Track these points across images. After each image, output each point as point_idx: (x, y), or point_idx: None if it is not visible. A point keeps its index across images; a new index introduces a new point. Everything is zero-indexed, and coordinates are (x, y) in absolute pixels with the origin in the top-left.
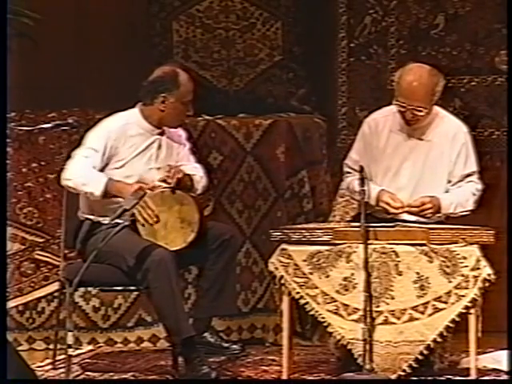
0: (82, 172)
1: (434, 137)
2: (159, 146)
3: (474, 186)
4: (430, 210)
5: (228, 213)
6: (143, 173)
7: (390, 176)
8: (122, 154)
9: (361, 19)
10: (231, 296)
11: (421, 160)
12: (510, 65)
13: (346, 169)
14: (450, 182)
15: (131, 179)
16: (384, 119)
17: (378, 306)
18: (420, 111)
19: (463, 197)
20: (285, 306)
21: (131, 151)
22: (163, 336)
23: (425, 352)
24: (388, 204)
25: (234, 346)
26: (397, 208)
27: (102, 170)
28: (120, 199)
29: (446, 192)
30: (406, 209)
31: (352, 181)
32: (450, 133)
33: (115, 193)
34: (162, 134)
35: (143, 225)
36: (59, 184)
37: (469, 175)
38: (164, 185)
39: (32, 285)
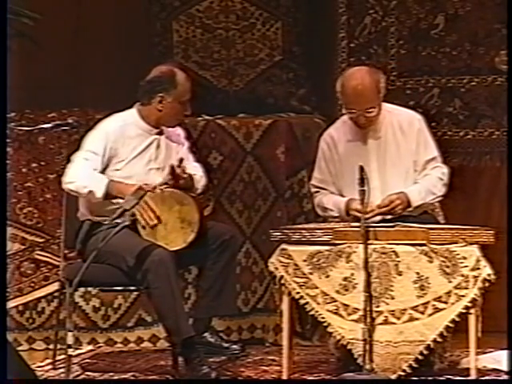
0: (82, 175)
1: (386, 132)
2: (158, 146)
3: (440, 170)
4: (400, 206)
5: (228, 213)
6: (143, 173)
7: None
8: (122, 155)
9: (361, 19)
10: (231, 296)
11: (382, 159)
12: (510, 65)
13: (312, 189)
14: (416, 171)
15: (131, 180)
16: (337, 132)
17: (377, 306)
18: (371, 112)
19: (430, 184)
20: (285, 306)
21: (130, 152)
22: (163, 336)
23: (425, 352)
24: (358, 211)
25: (234, 346)
26: (368, 213)
27: (102, 171)
28: (120, 200)
29: (416, 183)
30: (377, 211)
31: (320, 199)
32: (403, 124)
33: (116, 194)
34: (160, 133)
35: (144, 227)
36: (59, 184)
37: (431, 160)
38: (165, 185)
39: (32, 285)
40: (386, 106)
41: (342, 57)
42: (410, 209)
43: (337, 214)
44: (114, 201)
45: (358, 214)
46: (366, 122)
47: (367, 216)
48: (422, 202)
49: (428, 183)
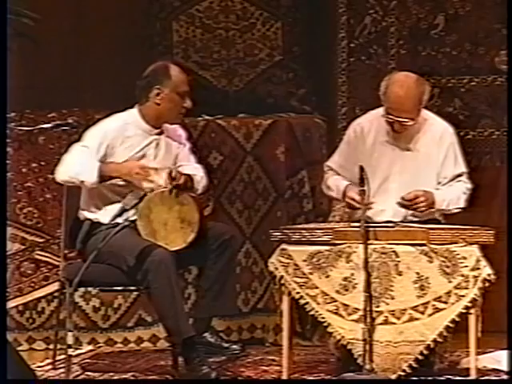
0: (74, 163)
1: (420, 146)
2: (157, 146)
3: (464, 185)
4: (423, 204)
5: (228, 213)
6: None
7: (378, 179)
8: (120, 154)
9: (361, 19)
10: (231, 296)
11: (408, 169)
12: (510, 65)
13: (325, 168)
14: (439, 183)
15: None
16: (369, 124)
17: (378, 306)
18: (408, 122)
19: (455, 194)
20: (285, 306)
21: (129, 151)
22: (163, 336)
23: (425, 352)
24: (353, 200)
25: (234, 346)
26: (363, 205)
27: None
28: (118, 180)
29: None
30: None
31: (328, 177)
32: (436, 136)
33: (111, 173)
34: (160, 133)
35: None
36: (59, 184)
37: (459, 175)
38: (163, 186)
39: (32, 285)
40: (423, 112)
41: (341, 57)
42: (433, 210)
43: (336, 196)
44: (114, 194)
45: (352, 202)
46: (400, 128)
47: (360, 207)
48: (444, 208)
49: (453, 193)
